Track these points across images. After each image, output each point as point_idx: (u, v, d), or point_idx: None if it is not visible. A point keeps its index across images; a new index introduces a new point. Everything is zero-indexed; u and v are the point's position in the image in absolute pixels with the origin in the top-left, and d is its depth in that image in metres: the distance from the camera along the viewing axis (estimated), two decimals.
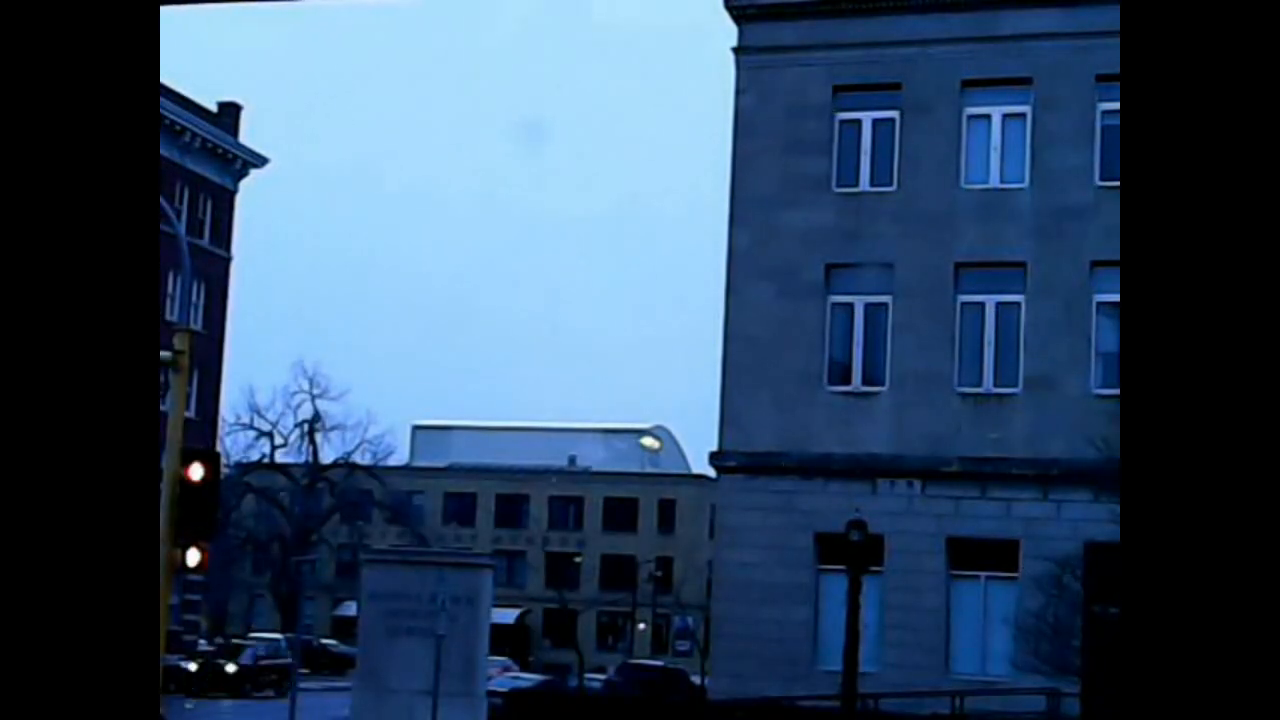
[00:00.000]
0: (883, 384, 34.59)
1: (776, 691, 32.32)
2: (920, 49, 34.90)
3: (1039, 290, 33.70)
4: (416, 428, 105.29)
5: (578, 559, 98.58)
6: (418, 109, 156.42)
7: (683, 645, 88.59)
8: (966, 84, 34.76)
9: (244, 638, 74.66)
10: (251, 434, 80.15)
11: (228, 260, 62.74)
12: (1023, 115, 34.46)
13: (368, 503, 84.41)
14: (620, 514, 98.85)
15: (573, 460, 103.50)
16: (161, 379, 22.36)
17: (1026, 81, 34.37)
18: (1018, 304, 34.03)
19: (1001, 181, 34.51)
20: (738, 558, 34.73)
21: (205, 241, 59.60)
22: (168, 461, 21.27)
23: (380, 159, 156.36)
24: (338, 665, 66.46)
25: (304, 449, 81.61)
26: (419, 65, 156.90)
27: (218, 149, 61.84)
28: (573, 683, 57.04)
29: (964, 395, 34.02)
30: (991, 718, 31.53)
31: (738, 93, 36.17)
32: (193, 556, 22.11)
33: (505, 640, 80.00)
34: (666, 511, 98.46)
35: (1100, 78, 33.06)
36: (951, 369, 34.05)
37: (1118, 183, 31.34)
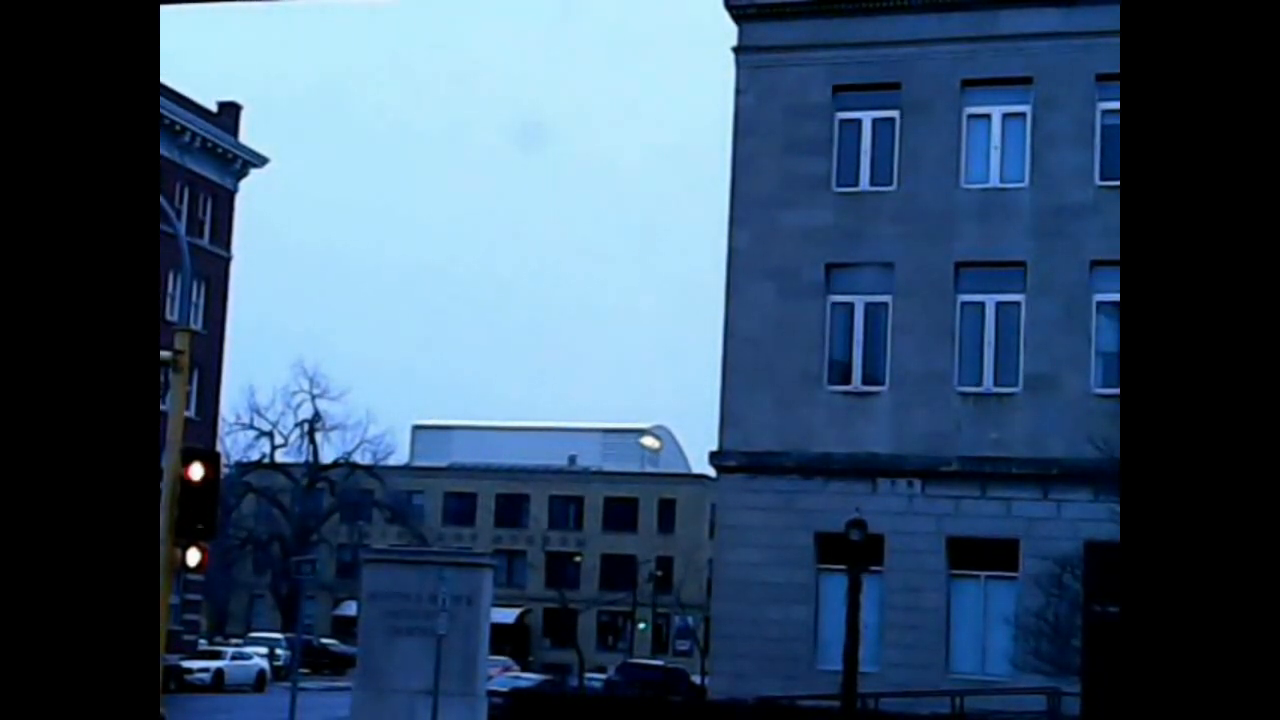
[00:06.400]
0: (883, 384, 34.57)
1: (776, 691, 32.30)
2: (920, 49, 34.89)
3: (1039, 290, 33.69)
4: (416, 428, 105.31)
5: (578, 559, 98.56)
6: (417, 108, 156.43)
7: (683, 645, 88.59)
8: (966, 84, 34.75)
9: (244, 637, 74.81)
10: (251, 434, 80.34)
11: (228, 260, 62.70)
12: (1023, 115, 34.44)
13: (368, 503, 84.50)
14: (620, 514, 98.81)
15: (573, 460, 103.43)
16: (161, 379, 22.36)
17: (1026, 81, 34.36)
18: (1018, 304, 34.02)
19: (1001, 181, 34.49)
20: (738, 557, 34.71)
21: (205, 241, 59.55)
22: (168, 461, 21.26)
23: (380, 158, 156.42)
24: (338, 665, 66.57)
25: (304, 449, 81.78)
26: (418, 65, 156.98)
27: (218, 149, 61.80)
28: (573, 682, 57.08)
29: (964, 395, 34.00)
30: (991, 717, 31.51)
31: (738, 93, 36.16)
32: (193, 556, 22.13)
33: (505, 640, 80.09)
34: (666, 511, 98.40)
35: (1100, 78, 33.06)
36: (951, 369, 34.04)
37: (1118, 183, 31.35)
